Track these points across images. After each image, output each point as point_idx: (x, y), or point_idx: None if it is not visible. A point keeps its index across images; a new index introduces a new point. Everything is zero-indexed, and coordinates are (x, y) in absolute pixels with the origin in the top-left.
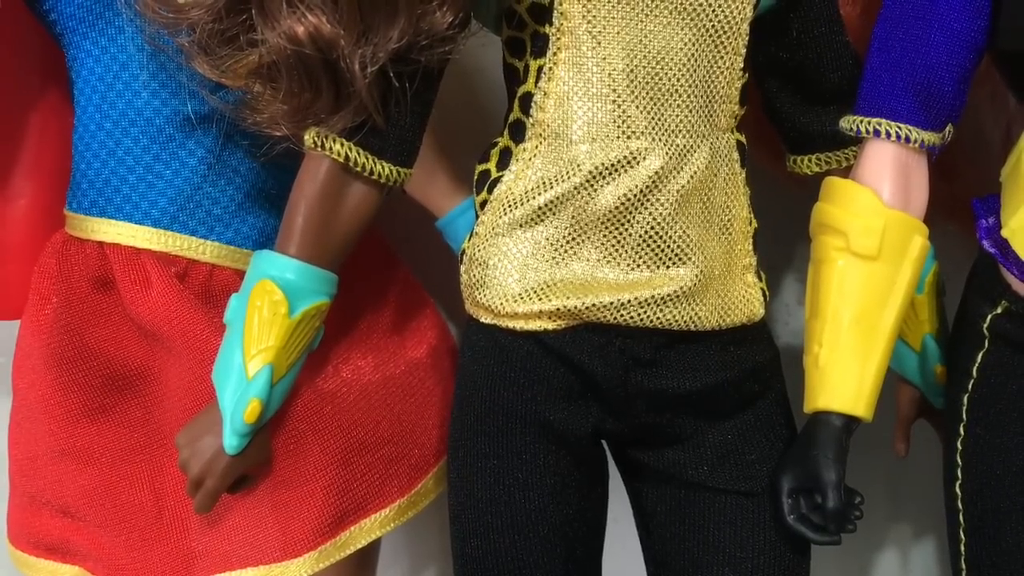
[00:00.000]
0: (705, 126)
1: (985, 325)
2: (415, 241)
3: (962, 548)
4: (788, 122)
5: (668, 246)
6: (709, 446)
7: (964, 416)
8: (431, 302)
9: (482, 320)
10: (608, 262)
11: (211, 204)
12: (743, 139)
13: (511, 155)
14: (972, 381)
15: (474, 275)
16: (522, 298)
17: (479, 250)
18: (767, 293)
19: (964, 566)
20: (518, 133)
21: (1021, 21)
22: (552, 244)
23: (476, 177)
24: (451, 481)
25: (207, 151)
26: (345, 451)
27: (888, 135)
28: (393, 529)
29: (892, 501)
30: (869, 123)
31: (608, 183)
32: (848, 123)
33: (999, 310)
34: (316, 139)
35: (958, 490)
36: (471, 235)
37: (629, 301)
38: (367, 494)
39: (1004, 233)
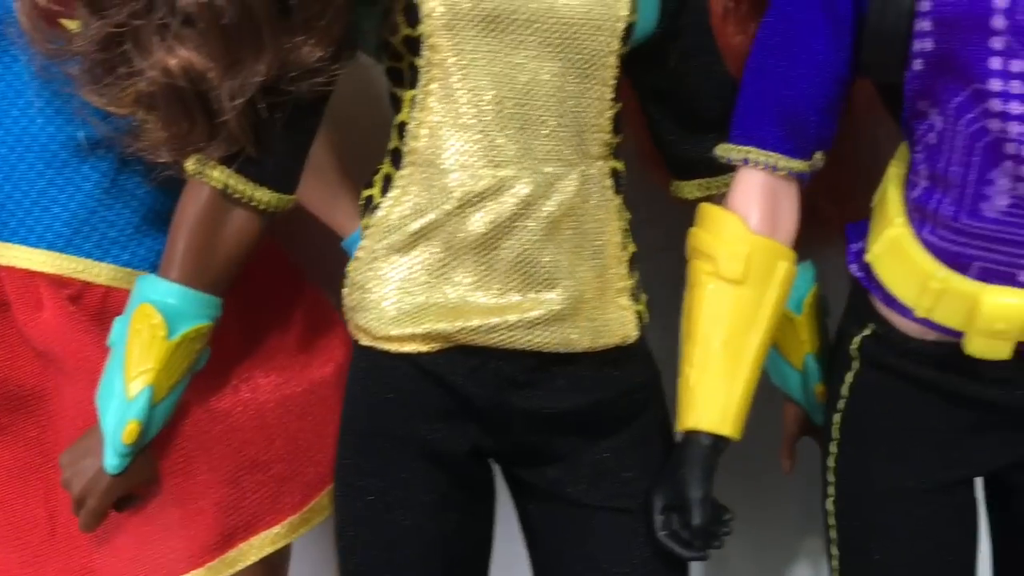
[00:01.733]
0: (575, 155)
1: (854, 347)
2: (330, 259)
3: (835, 563)
4: (670, 148)
5: (537, 271)
6: (586, 464)
7: (836, 435)
8: (341, 321)
9: (362, 342)
10: (480, 287)
11: (107, 227)
12: (620, 166)
13: (391, 181)
14: (843, 401)
15: (354, 298)
16: (397, 321)
17: (358, 274)
18: (644, 315)
19: None
20: (397, 160)
21: (879, 55)
22: (426, 269)
23: (362, 202)
24: (335, 498)
25: (102, 175)
26: (235, 469)
27: (756, 164)
28: (285, 545)
29: None
30: (739, 151)
31: (478, 210)
32: (721, 151)
33: (867, 332)
34: (196, 166)
35: (830, 507)
36: (353, 259)
37: (497, 325)
38: (258, 511)
39: (867, 258)
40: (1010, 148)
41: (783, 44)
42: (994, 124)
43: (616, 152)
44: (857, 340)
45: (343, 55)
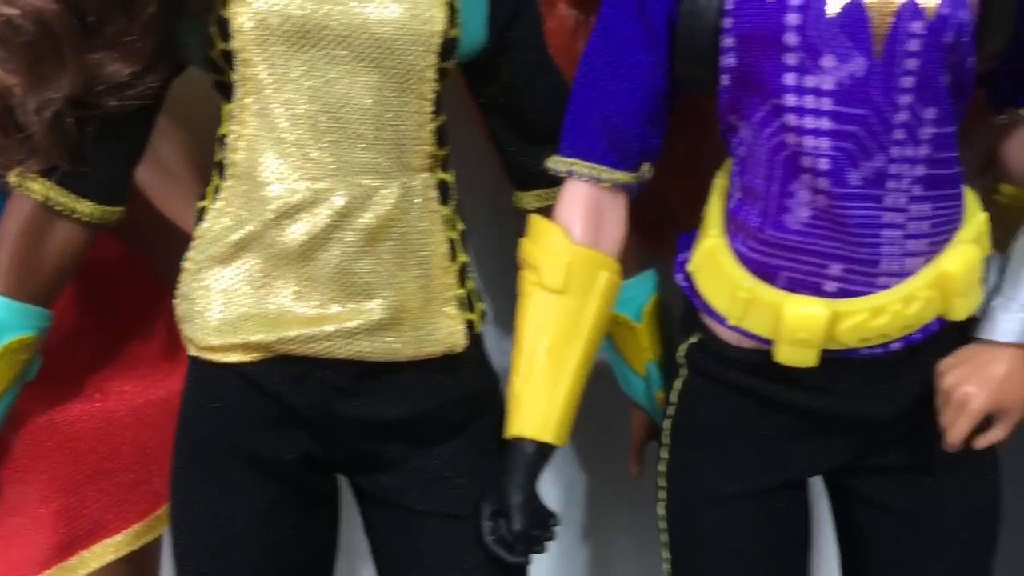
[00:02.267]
0: (394, 167)
1: (681, 354)
2: None
3: (667, 567)
4: (510, 160)
5: (356, 281)
6: (419, 472)
7: (667, 440)
8: None
9: (190, 352)
10: (300, 297)
11: None
12: (448, 178)
13: (218, 192)
14: (672, 407)
15: (182, 309)
16: (219, 331)
17: (185, 285)
18: (477, 324)
19: None
20: (221, 172)
21: (690, 71)
22: (248, 280)
23: (197, 213)
24: (171, 507)
25: None
26: (76, 478)
27: (581, 176)
28: (130, 553)
29: None
30: (565, 163)
31: (294, 222)
32: (550, 163)
33: (693, 340)
34: (17, 179)
35: (662, 511)
36: (182, 270)
37: (315, 335)
38: (100, 519)
39: (689, 268)
40: (806, 161)
41: (605, 60)
42: (791, 138)
43: (444, 164)
44: (684, 348)
45: (158, 69)
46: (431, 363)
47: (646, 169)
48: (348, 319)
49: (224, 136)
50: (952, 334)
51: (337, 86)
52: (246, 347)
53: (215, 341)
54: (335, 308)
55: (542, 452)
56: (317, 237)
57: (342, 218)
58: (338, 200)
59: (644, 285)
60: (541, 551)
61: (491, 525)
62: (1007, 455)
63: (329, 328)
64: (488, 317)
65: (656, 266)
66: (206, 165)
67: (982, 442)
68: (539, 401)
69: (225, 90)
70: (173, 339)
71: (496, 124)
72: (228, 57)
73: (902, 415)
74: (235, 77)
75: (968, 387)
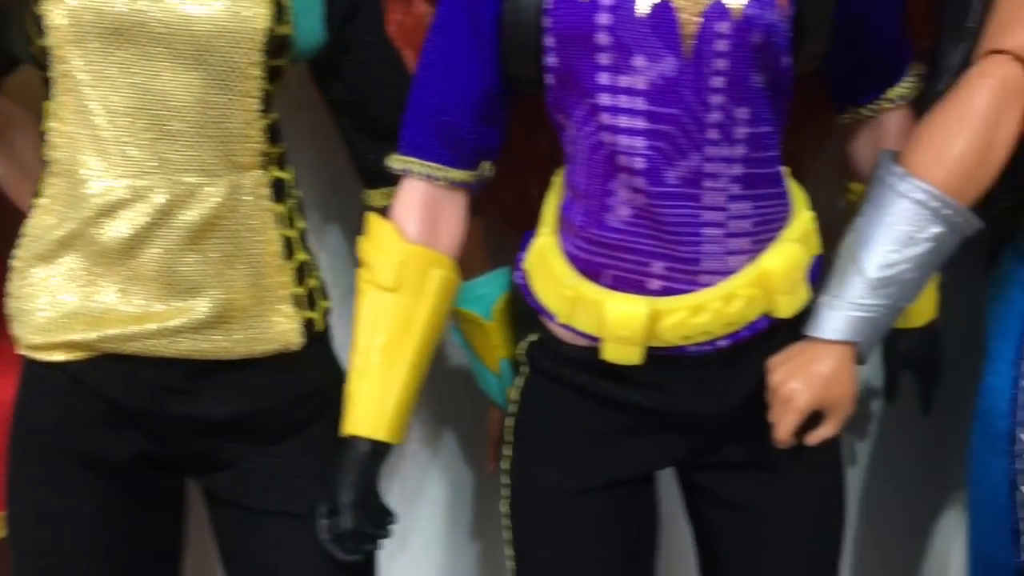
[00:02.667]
0: (220, 165)
1: (521, 352)
2: None
3: (510, 564)
4: (358, 157)
5: (180, 279)
6: (255, 471)
7: (510, 438)
8: None
9: (18, 351)
10: (125, 295)
11: None
12: (285, 175)
13: (44, 190)
14: (515, 405)
15: (11, 308)
16: (44, 330)
17: (13, 283)
18: (318, 322)
19: None
20: (46, 169)
21: (516, 70)
22: (72, 278)
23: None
24: (6, 508)
25: None
26: None
27: (416, 174)
28: None
29: None
30: (401, 162)
31: (115, 220)
32: (389, 161)
33: (533, 338)
34: None
35: (505, 508)
36: (10, 269)
37: (137, 333)
38: None
39: (524, 265)
40: (622, 160)
41: (439, 59)
42: (607, 137)
43: (280, 161)
44: (524, 345)
45: None
46: (266, 361)
47: (486, 167)
48: (171, 317)
49: (43, 133)
50: (784, 332)
51: (157, 83)
52: (69, 345)
53: (39, 339)
54: (158, 306)
55: (377, 450)
56: (139, 235)
57: (164, 216)
58: (159, 198)
59: (495, 283)
60: (373, 549)
61: (327, 523)
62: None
63: (151, 326)
64: (342, 315)
65: (510, 261)
66: None
67: (813, 439)
68: (372, 399)
69: (47, 86)
70: (5, 339)
71: (344, 121)
72: (42, 54)
73: (738, 412)
74: (52, 74)
75: (793, 383)
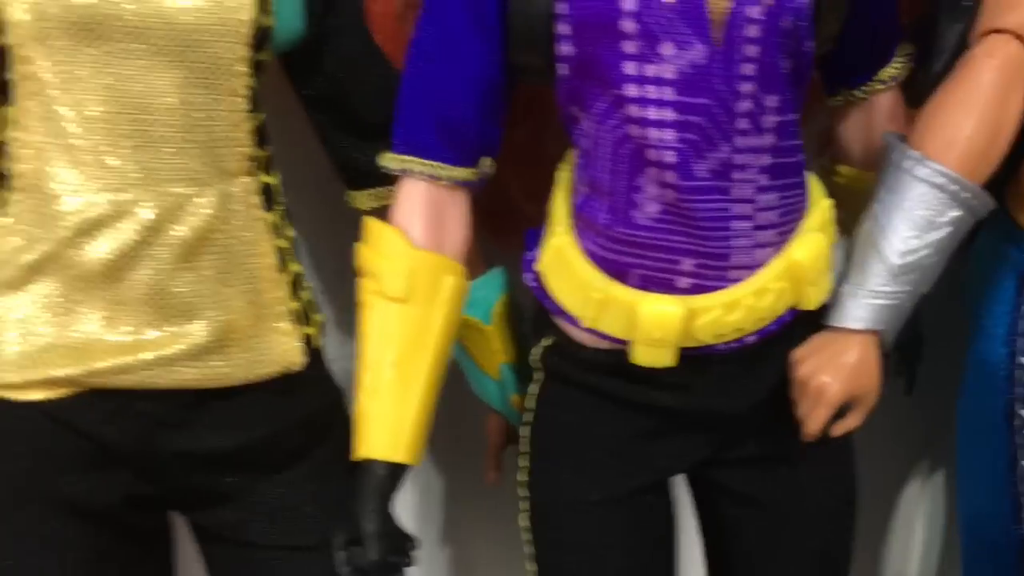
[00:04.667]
0: (209, 172)
1: (535, 358)
2: None
3: None
4: (341, 157)
5: (174, 302)
6: (259, 503)
7: (526, 448)
8: None
9: None
10: (110, 323)
11: None
12: (272, 180)
13: (6, 207)
14: (530, 414)
15: None
16: (18, 366)
17: None
18: (316, 338)
19: None
20: (6, 184)
21: (525, 60)
22: (47, 307)
23: None
24: None
25: None
26: None
27: (417, 174)
28: None
29: None
30: (399, 161)
31: (95, 239)
32: (383, 161)
33: (548, 343)
34: None
35: (524, 522)
36: None
37: (132, 364)
38: None
39: (537, 267)
40: (651, 155)
41: (436, 50)
42: (634, 130)
43: (267, 166)
44: (538, 351)
45: None
46: (265, 385)
47: (487, 164)
48: (167, 344)
49: (4, 144)
50: (802, 323)
51: (135, 84)
52: (49, 383)
53: (14, 377)
54: (152, 333)
55: (394, 473)
56: (124, 255)
57: (152, 232)
58: (146, 213)
59: (492, 285)
60: None
61: (345, 555)
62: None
63: (147, 356)
64: (327, 325)
65: (501, 262)
66: None
67: (838, 430)
68: (387, 419)
69: (3, 90)
70: None
71: (323, 119)
72: (2, 54)
73: (759, 407)
74: (13, 76)
75: (823, 376)
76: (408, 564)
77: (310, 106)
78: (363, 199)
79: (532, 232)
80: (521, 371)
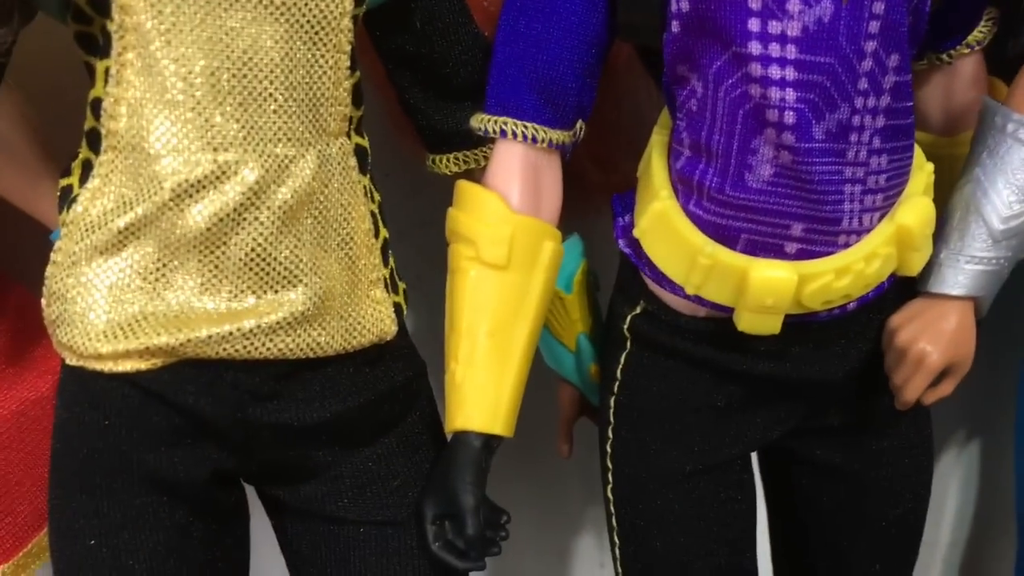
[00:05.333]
0: (310, 132)
1: (625, 326)
2: (38, 255)
3: (617, 552)
4: (423, 119)
5: (275, 268)
6: (347, 477)
7: (611, 419)
8: None
9: (69, 362)
10: (207, 290)
11: None
12: (364, 143)
13: (91, 169)
14: (617, 383)
15: (54, 310)
16: (107, 336)
17: (57, 281)
18: (403, 306)
19: (620, 569)
20: (95, 144)
21: (635, 17)
22: (140, 273)
23: (59, 193)
24: (52, 545)
25: None
26: None
27: (515, 135)
28: None
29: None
30: (496, 122)
31: (196, 202)
32: (476, 122)
33: (638, 310)
34: None
35: (610, 494)
36: (51, 263)
37: (232, 333)
38: None
39: (635, 233)
40: (771, 115)
41: (535, 6)
42: (755, 90)
43: (359, 127)
44: (628, 319)
45: (9, 17)
46: (358, 355)
47: (580, 127)
48: (268, 312)
49: (99, 100)
50: (897, 289)
51: (240, 37)
52: (144, 353)
53: (104, 348)
54: (250, 300)
55: (489, 446)
56: (226, 219)
57: (255, 195)
58: (249, 174)
59: (571, 252)
60: (497, 553)
61: (435, 530)
62: None
63: (247, 324)
64: None
65: (566, 230)
66: (45, 130)
67: (931, 398)
68: (485, 390)
69: (92, 44)
70: (17, 339)
71: (405, 80)
72: (100, 4)
73: (852, 374)
74: (112, 27)
75: (923, 343)
76: (504, 538)
77: (392, 64)
78: (446, 163)
79: (620, 197)
80: (598, 340)
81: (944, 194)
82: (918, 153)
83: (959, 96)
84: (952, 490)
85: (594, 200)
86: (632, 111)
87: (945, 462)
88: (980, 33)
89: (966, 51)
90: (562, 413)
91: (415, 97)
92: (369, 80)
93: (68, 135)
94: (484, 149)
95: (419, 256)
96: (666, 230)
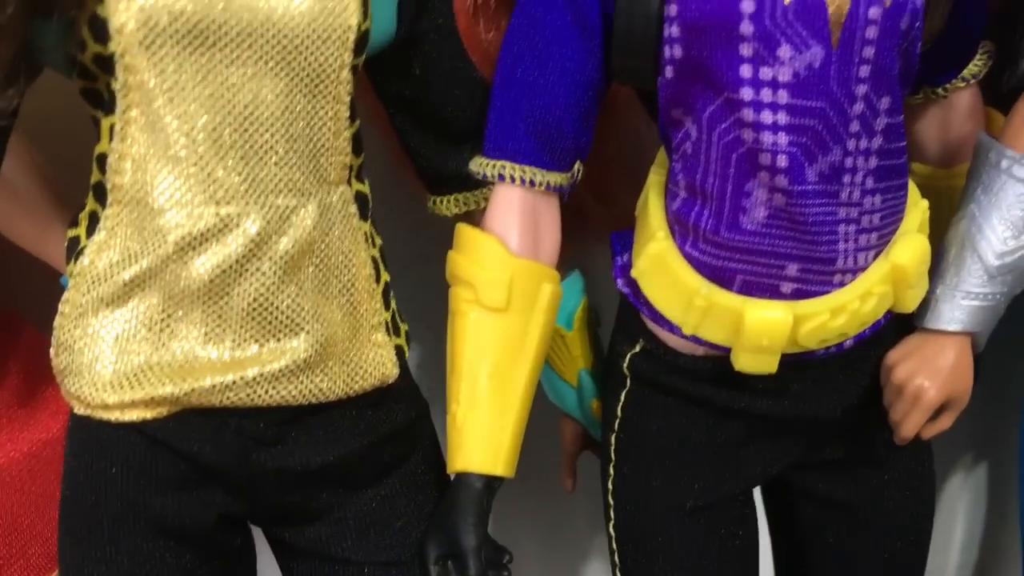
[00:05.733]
0: (311, 183)
1: (625, 364)
2: (49, 298)
3: None
4: (423, 161)
5: (277, 317)
6: (351, 518)
7: (613, 456)
8: None
9: (76, 411)
10: (211, 340)
11: None
12: (364, 189)
13: (97, 222)
14: (618, 420)
15: (62, 360)
16: (114, 387)
17: (65, 332)
18: (404, 348)
19: None
20: (101, 197)
21: (629, 62)
22: (145, 324)
23: (67, 244)
24: None
25: None
26: None
27: (513, 179)
28: None
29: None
30: (494, 166)
31: (200, 254)
32: (475, 166)
33: (637, 349)
34: None
35: (612, 530)
36: (59, 314)
37: (235, 382)
38: None
39: (633, 273)
40: (764, 159)
41: (532, 51)
42: (747, 134)
43: (360, 174)
44: (628, 358)
45: (16, 78)
46: (360, 398)
47: (577, 168)
48: (271, 360)
49: (104, 155)
50: (893, 325)
51: (241, 93)
52: (151, 402)
53: (111, 398)
54: (252, 349)
55: (490, 486)
56: (229, 270)
57: (257, 246)
58: (251, 226)
59: (572, 289)
60: None
61: (438, 570)
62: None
63: (251, 372)
64: None
65: (567, 264)
66: (56, 180)
67: (929, 432)
68: (485, 431)
69: (98, 100)
70: (29, 380)
71: (406, 124)
72: (103, 62)
73: (851, 410)
74: (116, 86)
75: (920, 380)
76: None
77: (392, 109)
78: (447, 204)
79: (619, 236)
80: (600, 377)
81: (942, 225)
82: (912, 190)
83: (956, 128)
84: (960, 515)
85: (595, 232)
86: (632, 146)
87: (952, 487)
88: (975, 67)
89: (962, 84)
90: (565, 448)
91: (415, 140)
92: (371, 121)
93: (80, 181)
94: (484, 191)
95: (423, 289)
96: (663, 272)
